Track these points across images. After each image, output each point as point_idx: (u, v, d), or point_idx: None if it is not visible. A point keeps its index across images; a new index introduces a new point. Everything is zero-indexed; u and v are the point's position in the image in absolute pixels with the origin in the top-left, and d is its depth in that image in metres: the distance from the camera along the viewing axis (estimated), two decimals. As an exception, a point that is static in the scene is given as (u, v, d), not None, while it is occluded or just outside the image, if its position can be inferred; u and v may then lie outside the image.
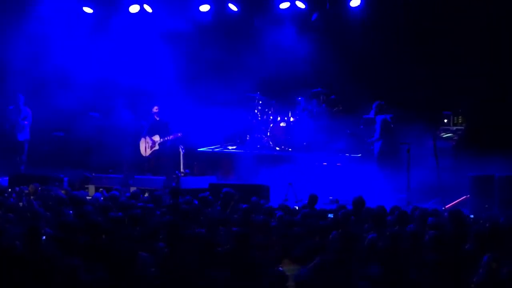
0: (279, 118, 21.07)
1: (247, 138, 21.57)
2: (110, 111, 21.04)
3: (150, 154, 20.02)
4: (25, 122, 20.16)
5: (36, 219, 11.93)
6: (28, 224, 10.66)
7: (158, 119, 20.02)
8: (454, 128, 19.26)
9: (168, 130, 19.83)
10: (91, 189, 18.64)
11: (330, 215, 13.51)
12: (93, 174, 19.43)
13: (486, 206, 15.76)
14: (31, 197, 14.04)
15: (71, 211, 13.20)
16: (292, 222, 12.26)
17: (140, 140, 20.10)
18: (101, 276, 8.69)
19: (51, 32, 21.12)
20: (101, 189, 16.91)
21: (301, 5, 21.01)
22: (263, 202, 14.74)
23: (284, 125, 20.90)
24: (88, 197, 15.78)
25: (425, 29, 19.38)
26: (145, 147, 19.99)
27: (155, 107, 20.06)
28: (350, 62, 20.26)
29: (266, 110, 21.41)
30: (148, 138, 19.94)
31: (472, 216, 14.21)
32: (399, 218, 11.69)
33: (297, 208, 14.48)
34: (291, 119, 21.01)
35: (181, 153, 19.87)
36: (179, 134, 19.72)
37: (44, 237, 10.64)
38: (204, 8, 21.42)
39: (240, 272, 9.14)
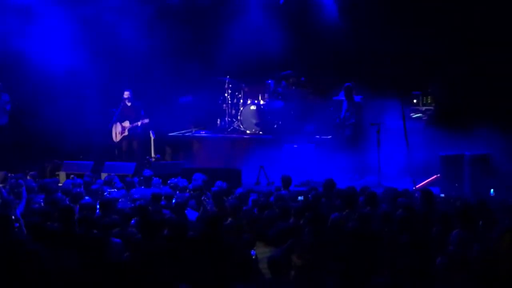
0: (249, 101, 21.05)
1: (218, 122, 21.56)
2: (80, 97, 20.91)
3: (120, 140, 19.89)
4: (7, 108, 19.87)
5: (5, 207, 11.88)
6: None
7: (129, 104, 19.82)
8: (423, 108, 19.38)
9: (139, 115, 19.67)
10: (62, 176, 18.50)
11: (301, 197, 13.56)
12: (64, 160, 19.28)
13: (456, 185, 15.92)
14: (0, 185, 13.95)
15: (41, 199, 13.19)
16: (264, 204, 12.30)
17: (111, 126, 19.92)
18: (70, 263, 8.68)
19: (23, 17, 20.86)
20: (72, 176, 16.84)
21: (270, -12, 20.99)
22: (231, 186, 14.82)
23: (255, 108, 20.88)
24: (59, 184, 15.71)
25: (393, 9, 19.38)
26: (115, 133, 19.86)
27: (126, 93, 19.82)
28: (319, 44, 20.27)
29: (236, 93, 21.39)
30: (118, 124, 19.79)
31: (442, 195, 14.33)
32: (369, 199, 11.75)
33: (269, 190, 14.48)
34: (261, 102, 21.00)
35: (152, 138, 19.79)
36: (146, 121, 19.54)
37: (16, 224, 10.63)
38: (172, -8, 21.34)
39: (212, 256, 9.16)
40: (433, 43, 18.79)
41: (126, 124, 19.63)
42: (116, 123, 19.78)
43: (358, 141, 18.10)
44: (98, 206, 12.08)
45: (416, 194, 13.31)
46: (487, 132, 16.46)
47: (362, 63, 19.47)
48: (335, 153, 17.98)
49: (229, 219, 11.31)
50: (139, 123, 19.52)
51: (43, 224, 10.28)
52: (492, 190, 15.22)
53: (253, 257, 9.38)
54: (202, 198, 13.73)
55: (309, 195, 12.85)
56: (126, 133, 19.68)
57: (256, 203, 12.69)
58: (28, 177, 15.52)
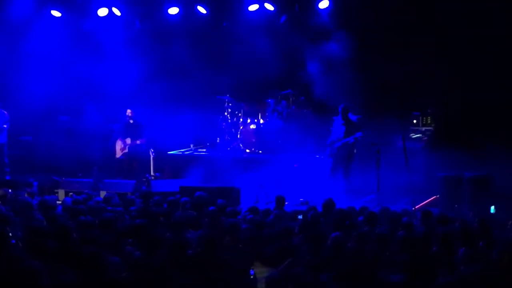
0: (249, 121, 21.05)
1: (217, 141, 21.54)
2: (79, 114, 20.94)
3: (121, 157, 19.86)
4: (4, 126, 19.82)
5: (4, 224, 11.84)
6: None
7: (132, 122, 19.81)
8: (423, 128, 19.38)
9: (141, 133, 19.68)
10: (61, 193, 18.45)
11: (300, 217, 13.52)
12: (63, 178, 19.25)
13: (456, 206, 15.87)
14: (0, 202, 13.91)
15: (41, 216, 13.14)
16: (262, 224, 12.27)
17: (116, 141, 19.91)
18: (67, 280, 8.62)
19: (19, 35, 20.94)
20: (70, 194, 16.79)
21: (270, 7, 21.01)
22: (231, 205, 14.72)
23: (254, 127, 20.88)
24: (58, 202, 15.68)
25: (393, 30, 19.42)
26: (117, 150, 19.85)
27: (128, 111, 19.83)
28: (319, 63, 20.29)
29: (236, 112, 21.39)
30: (120, 141, 19.79)
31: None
32: (368, 219, 11.73)
33: (267, 209, 14.43)
34: (261, 121, 21.00)
35: (151, 156, 19.79)
36: (138, 142, 19.54)
37: (13, 241, 10.58)
38: (173, 10, 21.40)
39: (210, 275, 9.12)
40: (433, 63, 18.80)
41: (128, 141, 19.65)
42: (118, 139, 19.79)
43: (356, 161, 18.05)
44: (96, 224, 12.04)
45: (417, 215, 13.27)
46: (488, 152, 16.45)
47: (362, 83, 19.45)
48: (335, 172, 17.96)
49: (227, 238, 11.27)
50: (138, 142, 19.53)
51: (41, 241, 10.24)
52: (493, 207, 15.17)
53: (252, 276, 9.34)
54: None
55: (308, 215, 12.80)
56: (126, 150, 19.68)
57: (254, 222, 12.64)
58: (26, 194, 15.49)
